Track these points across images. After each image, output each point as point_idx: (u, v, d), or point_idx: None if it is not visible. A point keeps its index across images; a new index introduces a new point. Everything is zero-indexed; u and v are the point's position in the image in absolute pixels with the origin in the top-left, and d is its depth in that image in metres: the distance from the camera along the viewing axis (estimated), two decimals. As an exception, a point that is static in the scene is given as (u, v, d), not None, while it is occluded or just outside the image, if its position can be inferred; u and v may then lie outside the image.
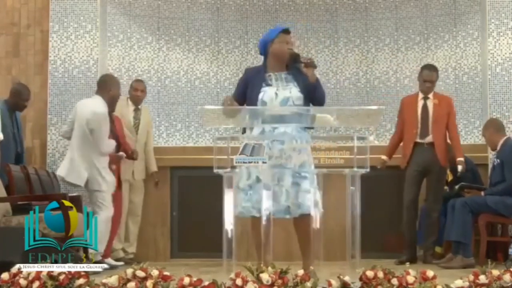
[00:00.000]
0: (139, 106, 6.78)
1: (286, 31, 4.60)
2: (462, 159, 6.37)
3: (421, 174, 6.40)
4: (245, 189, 4.41)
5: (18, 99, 6.34)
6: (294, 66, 4.52)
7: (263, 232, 4.26)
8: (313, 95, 4.52)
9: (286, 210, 4.37)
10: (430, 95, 6.51)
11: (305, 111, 4.37)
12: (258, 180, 4.34)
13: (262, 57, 4.73)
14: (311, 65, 4.44)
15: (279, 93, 4.50)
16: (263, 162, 4.07)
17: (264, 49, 4.62)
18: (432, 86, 6.56)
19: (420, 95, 6.54)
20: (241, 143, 4.07)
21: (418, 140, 6.40)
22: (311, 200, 4.34)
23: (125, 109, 6.64)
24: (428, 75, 6.56)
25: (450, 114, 6.51)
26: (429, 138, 6.41)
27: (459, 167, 6.35)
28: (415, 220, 6.47)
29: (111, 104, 5.95)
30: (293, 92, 4.50)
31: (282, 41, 4.55)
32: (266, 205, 4.27)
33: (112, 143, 5.97)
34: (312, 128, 4.45)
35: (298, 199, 4.35)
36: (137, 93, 6.72)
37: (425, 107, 6.47)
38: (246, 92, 4.58)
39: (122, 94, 6.69)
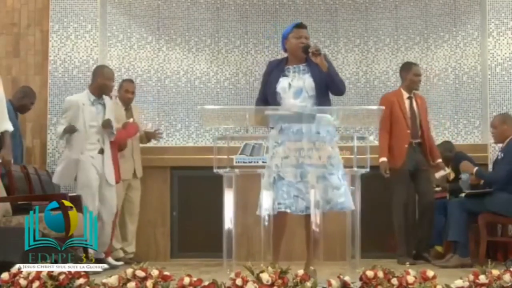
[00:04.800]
0: (129, 106, 6.74)
1: (299, 26, 4.65)
2: (441, 160, 6.46)
3: (412, 175, 6.39)
4: (267, 187, 4.38)
5: (27, 101, 6.48)
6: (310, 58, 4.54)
7: (263, 231, 4.27)
8: (329, 84, 4.54)
9: (316, 204, 4.31)
10: (412, 94, 6.49)
11: (309, 111, 4.37)
12: (279, 177, 4.32)
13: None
14: (317, 53, 4.45)
15: (293, 83, 4.53)
16: (263, 162, 4.09)
17: (283, 45, 4.71)
18: (421, 81, 6.57)
19: (405, 94, 6.45)
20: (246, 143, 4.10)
21: (410, 140, 6.39)
22: (344, 196, 4.31)
23: (116, 108, 6.58)
24: (419, 69, 6.58)
25: (426, 113, 6.57)
26: (419, 138, 6.41)
27: (443, 172, 6.43)
28: (411, 221, 6.45)
29: (100, 91, 5.94)
30: (307, 82, 4.52)
31: (295, 36, 4.59)
32: (266, 205, 4.28)
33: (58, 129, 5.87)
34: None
35: (327, 194, 4.29)
36: (129, 95, 6.65)
37: (411, 106, 6.44)
38: None
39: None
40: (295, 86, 4.52)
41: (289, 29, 4.66)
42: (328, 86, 4.54)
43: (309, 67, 4.56)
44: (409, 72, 6.49)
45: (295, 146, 4.23)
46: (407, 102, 6.43)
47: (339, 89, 4.61)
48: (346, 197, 4.31)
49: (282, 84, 4.53)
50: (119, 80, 6.94)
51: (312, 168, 4.27)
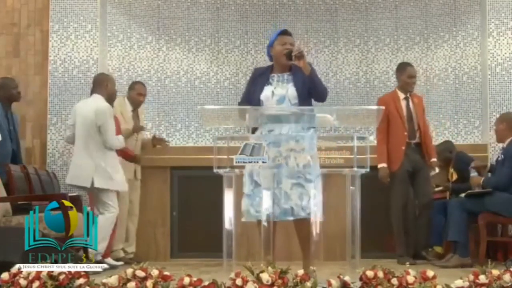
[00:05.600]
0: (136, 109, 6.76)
1: (284, 33, 4.65)
2: (435, 159, 6.47)
3: (410, 175, 6.39)
4: (250, 194, 4.44)
5: (8, 91, 6.28)
6: (295, 65, 4.52)
7: (263, 232, 4.27)
8: (312, 89, 4.53)
9: (288, 212, 4.36)
10: (408, 94, 6.48)
11: (306, 111, 4.38)
12: (258, 184, 4.36)
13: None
14: (299, 55, 4.43)
15: (276, 91, 4.55)
16: (263, 162, 4.08)
17: (268, 53, 4.72)
18: (416, 82, 6.56)
19: (401, 95, 6.45)
20: (246, 143, 4.08)
21: (407, 141, 6.38)
22: (315, 203, 4.34)
23: (124, 108, 6.62)
24: (414, 71, 6.56)
25: (424, 113, 6.57)
26: (416, 139, 6.41)
27: (436, 169, 6.45)
28: (408, 222, 6.46)
29: (109, 100, 5.99)
30: (290, 91, 4.54)
31: (279, 43, 4.61)
32: (266, 205, 4.29)
33: (121, 138, 5.99)
34: (314, 127, 4.44)
35: (302, 201, 4.33)
36: (141, 97, 6.69)
37: (408, 107, 6.44)
38: None
39: (119, 92, 6.70)
40: (278, 94, 4.54)
41: (274, 36, 4.68)
42: (310, 92, 4.55)
43: (293, 76, 4.57)
44: (403, 74, 6.49)
45: (273, 152, 4.24)
46: (403, 103, 6.43)
47: (321, 96, 4.60)
48: (318, 206, 4.34)
49: (266, 92, 4.56)
50: (119, 80, 6.95)
51: (288, 175, 4.29)
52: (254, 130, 4.45)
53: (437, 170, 6.50)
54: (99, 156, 5.80)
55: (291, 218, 4.38)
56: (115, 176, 5.85)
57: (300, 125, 4.38)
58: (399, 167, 6.31)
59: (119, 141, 5.94)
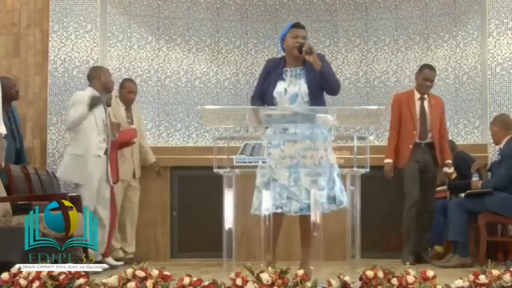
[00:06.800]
0: (129, 106, 6.73)
1: (296, 26, 4.68)
2: (451, 161, 6.48)
3: (420, 173, 6.39)
4: (259, 186, 4.44)
5: (4, 90, 6.21)
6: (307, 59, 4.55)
7: (263, 231, 4.27)
8: (323, 83, 4.55)
9: (309, 207, 4.36)
10: (426, 95, 6.49)
11: (308, 111, 4.38)
12: (273, 179, 4.36)
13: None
14: (309, 51, 4.47)
15: (289, 89, 4.57)
16: (263, 162, 4.09)
17: (281, 45, 4.75)
18: (431, 85, 6.56)
19: (417, 95, 6.47)
20: (246, 143, 4.10)
21: (417, 141, 6.39)
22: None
23: (116, 108, 6.59)
24: (430, 74, 6.56)
25: (442, 115, 6.58)
26: (428, 139, 6.41)
27: (449, 169, 6.47)
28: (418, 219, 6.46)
29: (106, 89, 5.99)
30: (302, 88, 4.55)
31: (291, 36, 4.63)
32: (266, 205, 4.29)
33: (79, 111, 5.75)
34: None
35: (326, 195, 4.37)
36: (132, 95, 6.65)
37: (422, 107, 6.45)
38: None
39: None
40: (291, 92, 4.56)
41: (287, 29, 4.70)
42: (322, 86, 4.56)
43: (305, 71, 4.58)
44: (419, 75, 6.51)
45: (290, 149, 4.26)
46: (418, 103, 6.44)
47: (333, 89, 4.63)
48: (342, 195, 4.39)
49: (279, 89, 4.58)
50: (119, 80, 6.95)
51: (307, 171, 4.30)
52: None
53: (450, 170, 6.51)
54: (71, 148, 5.90)
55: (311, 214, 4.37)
56: (73, 167, 5.83)
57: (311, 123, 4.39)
58: (408, 165, 6.30)
59: (73, 115, 5.78)
